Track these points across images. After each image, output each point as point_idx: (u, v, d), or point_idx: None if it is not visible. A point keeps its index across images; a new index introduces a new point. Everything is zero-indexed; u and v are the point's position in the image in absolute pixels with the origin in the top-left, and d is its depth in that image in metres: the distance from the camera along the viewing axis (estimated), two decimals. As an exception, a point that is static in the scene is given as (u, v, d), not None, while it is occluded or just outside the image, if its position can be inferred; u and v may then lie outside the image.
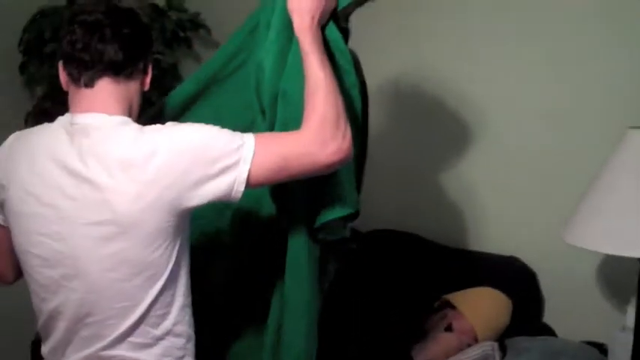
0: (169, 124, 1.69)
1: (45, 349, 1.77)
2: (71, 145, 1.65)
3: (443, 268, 2.90)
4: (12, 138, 1.80)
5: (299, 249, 1.92)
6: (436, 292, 2.76)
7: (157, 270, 1.66)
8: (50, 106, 3.29)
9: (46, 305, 1.72)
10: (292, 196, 1.91)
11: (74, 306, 1.68)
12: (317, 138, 1.67)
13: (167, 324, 1.71)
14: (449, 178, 3.06)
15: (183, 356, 1.76)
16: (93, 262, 1.64)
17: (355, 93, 1.91)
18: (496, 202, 2.94)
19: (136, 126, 1.69)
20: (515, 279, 2.78)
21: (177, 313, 1.73)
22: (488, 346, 2.53)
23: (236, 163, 1.62)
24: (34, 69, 3.41)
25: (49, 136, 1.72)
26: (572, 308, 2.77)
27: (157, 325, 1.70)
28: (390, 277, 2.90)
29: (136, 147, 1.62)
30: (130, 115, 1.73)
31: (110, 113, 1.69)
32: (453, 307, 2.66)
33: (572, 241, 2.24)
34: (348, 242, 2.09)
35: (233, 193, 1.64)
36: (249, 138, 1.65)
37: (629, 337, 2.28)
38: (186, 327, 1.76)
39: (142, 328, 1.69)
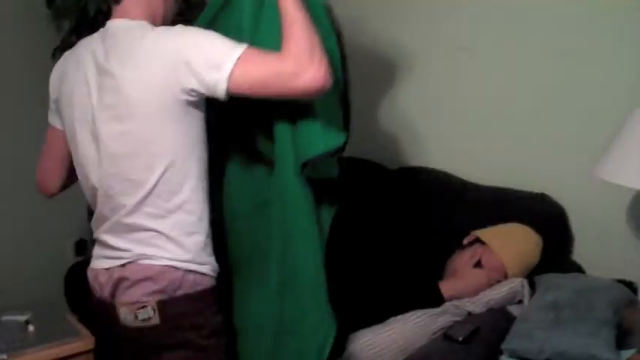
0: (179, 26, 1.93)
1: (92, 220, 2.09)
2: (102, 45, 1.98)
3: (473, 205, 2.87)
4: (62, 58, 2.14)
5: (295, 187, 2.07)
6: (466, 230, 2.73)
7: (163, 149, 1.90)
8: (77, 40, 3.29)
9: (86, 183, 2.05)
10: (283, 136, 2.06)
11: (102, 181, 1.98)
12: (294, 62, 1.84)
13: (177, 200, 1.94)
14: (479, 114, 3.02)
15: (194, 232, 1.97)
16: (111, 141, 1.94)
17: (332, 42, 2.05)
18: (526, 139, 2.90)
19: (150, 27, 1.96)
20: (544, 216, 2.75)
21: (190, 193, 1.95)
22: (518, 283, 2.52)
23: (223, 63, 1.83)
24: (61, 2, 3.36)
25: (90, 42, 2.05)
26: (602, 246, 2.74)
27: (167, 199, 1.93)
28: (421, 214, 2.89)
29: (144, 42, 1.91)
30: (152, 22, 2.00)
31: (132, 18, 1.99)
32: (482, 243, 2.64)
33: (606, 177, 2.22)
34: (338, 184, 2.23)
35: (217, 89, 1.85)
36: (240, 47, 1.85)
37: (659, 275, 2.30)
38: (198, 206, 1.97)
39: (153, 199, 1.93)
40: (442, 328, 2.38)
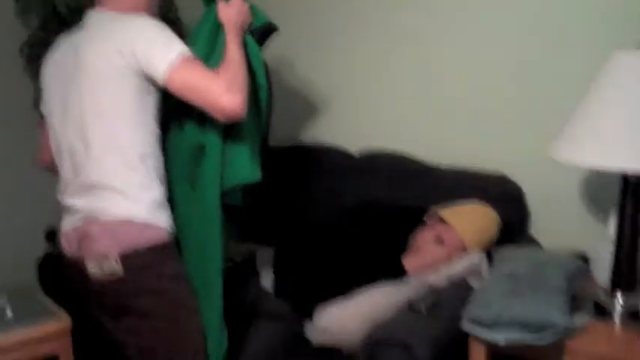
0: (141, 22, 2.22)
1: (58, 191, 2.36)
2: (84, 31, 2.30)
3: (434, 185, 2.97)
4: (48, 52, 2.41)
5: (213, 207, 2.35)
6: (428, 208, 2.84)
7: (114, 112, 2.19)
8: (45, 35, 3.34)
9: (58, 154, 2.33)
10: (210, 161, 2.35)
11: (67, 145, 2.27)
12: (223, 83, 2.15)
13: (131, 158, 2.19)
14: (440, 100, 3.12)
15: (148, 188, 2.21)
16: (74, 104, 2.23)
17: (263, 93, 2.42)
18: (485, 123, 3.01)
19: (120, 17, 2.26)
20: (502, 195, 2.86)
21: (141, 154, 2.20)
22: (477, 257, 2.63)
23: (164, 60, 2.13)
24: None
25: (71, 34, 2.35)
26: (557, 222, 2.86)
27: (121, 158, 2.19)
28: (384, 195, 3.00)
29: (111, 29, 2.22)
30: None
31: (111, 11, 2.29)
32: (442, 221, 2.74)
33: (560, 158, 2.31)
34: (241, 210, 2.49)
35: (157, 79, 2.15)
36: (181, 50, 2.15)
37: (610, 247, 2.37)
38: (152, 165, 2.23)
39: (109, 158, 2.19)
40: (405, 300, 2.46)
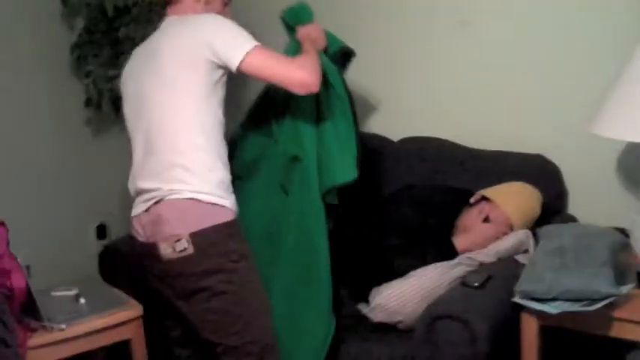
0: (203, 18, 2.48)
1: (130, 180, 2.54)
2: (159, 32, 2.56)
3: (476, 168, 3.07)
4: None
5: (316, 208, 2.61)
6: (472, 190, 2.94)
7: (181, 89, 2.40)
8: (92, 37, 3.47)
9: (135, 141, 2.52)
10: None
11: (142, 131, 2.48)
12: (298, 63, 2.47)
13: (199, 140, 2.38)
14: (476, 86, 3.21)
15: (214, 169, 2.40)
16: (151, 93, 2.45)
17: (345, 104, 2.67)
18: (521, 106, 3.10)
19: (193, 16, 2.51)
20: (541, 175, 2.96)
21: (208, 136, 2.40)
22: (523, 234, 2.74)
23: (241, 48, 2.38)
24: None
25: (150, 38, 2.59)
26: (594, 199, 2.96)
27: (190, 139, 2.39)
28: (426, 180, 3.11)
29: (186, 24, 2.46)
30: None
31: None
32: (488, 201, 2.84)
33: (601, 132, 2.43)
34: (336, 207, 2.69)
35: (233, 64, 2.38)
36: (256, 43, 2.41)
37: (649, 221, 2.50)
38: (216, 148, 2.43)
39: (179, 139, 2.39)
40: (458, 278, 2.59)
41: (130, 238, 2.56)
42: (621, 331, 2.33)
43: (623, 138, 2.41)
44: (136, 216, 2.48)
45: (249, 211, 2.63)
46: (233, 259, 2.38)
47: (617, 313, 2.31)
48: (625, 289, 2.33)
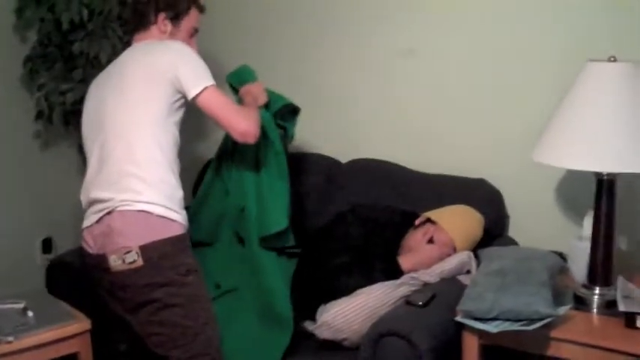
0: (171, 45, 2.59)
1: (82, 190, 2.59)
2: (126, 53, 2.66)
3: (421, 190, 3.15)
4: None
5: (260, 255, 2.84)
6: (417, 212, 3.01)
7: (139, 101, 2.50)
8: (45, 50, 3.47)
9: (90, 153, 2.60)
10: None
11: (100, 142, 2.54)
12: (243, 114, 2.59)
13: (153, 153, 2.47)
14: (423, 112, 3.30)
15: (166, 181, 2.48)
16: (112, 109, 2.53)
17: (282, 159, 2.85)
18: (465, 133, 3.20)
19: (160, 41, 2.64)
20: (483, 199, 3.05)
21: (163, 151, 2.48)
22: (466, 256, 2.81)
23: (202, 82, 2.50)
24: (31, 13, 3.48)
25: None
26: (534, 223, 3.06)
27: (145, 152, 2.47)
28: (372, 200, 3.17)
29: (153, 47, 2.58)
30: None
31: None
32: (433, 222, 2.91)
33: (540, 160, 2.51)
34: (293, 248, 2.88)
35: (189, 94, 2.49)
36: (214, 83, 2.52)
37: (586, 245, 2.58)
38: (170, 163, 2.50)
39: (134, 150, 2.46)
40: (402, 297, 2.64)
41: (81, 250, 2.58)
42: (558, 350, 2.41)
43: (562, 165, 2.50)
44: (87, 227, 2.50)
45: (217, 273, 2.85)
46: (182, 273, 2.42)
47: (554, 333, 2.39)
48: (562, 309, 2.43)
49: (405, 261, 2.82)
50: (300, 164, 3.40)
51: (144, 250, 2.36)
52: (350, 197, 3.25)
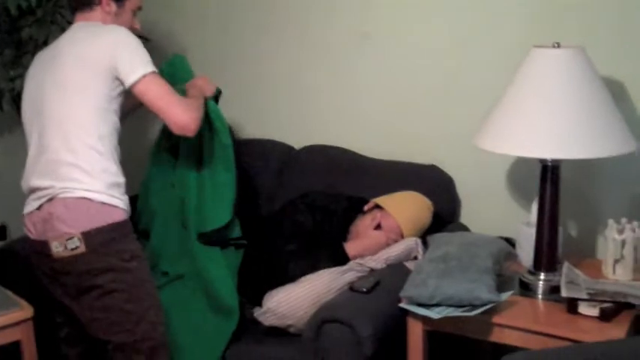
0: (110, 31, 2.51)
1: (23, 178, 2.56)
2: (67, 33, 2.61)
3: (371, 176, 3.16)
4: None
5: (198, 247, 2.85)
6: (366, 198, 3.01)
7: (76, 87, 2.44)
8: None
9: (30, 139, 2.56)
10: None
11: (39, 129, 2.50)
12: (184, 104, 2.51)
13: (92, 140, 2.41)
14: (375, 98, 3.30)
15: (106, 170, 2.43)
16: (50, 97, 2.47)
17: (230, 152, 2.82)
18: (418, 118, 3.20)
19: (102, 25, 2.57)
20: (434, 184, 3.06)
21: (102, 139, 2.43)
22: (412, 241, 2.82)
23: (140, 69, 2.43)
24: None
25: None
26: (484, 209, 3.08)
27: (84, 139, 2.42)
28: (323, 186, 3.17)
29: (94, 31, 2.52)
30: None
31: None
32: (381, 208, 2.91)
33: (484, 146, 2.52)
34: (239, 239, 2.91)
35: (126, 81, 2.43)
36: (154, 69, 2.47)
37: (533, 231, 2.60)
38: (110, 150, 2.46)
39: (74, 139, 2.42)
40: (348, 283, 2.64)
41: (25, 237, 2.56)
42: (500, 335, 2.43)
43: (505, 152, 2.50)
44: (28, 214, 2.48)
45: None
46: (125, 259, 2.41)
47: (496, 319, 2.41)
48: (504, 295, 2.44)
49: (351, 247, 2.81)
50: (254, 150, 3.40)
51: (86, 236, 2.34)
52: (303, 183, 3.25)
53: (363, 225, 2.91)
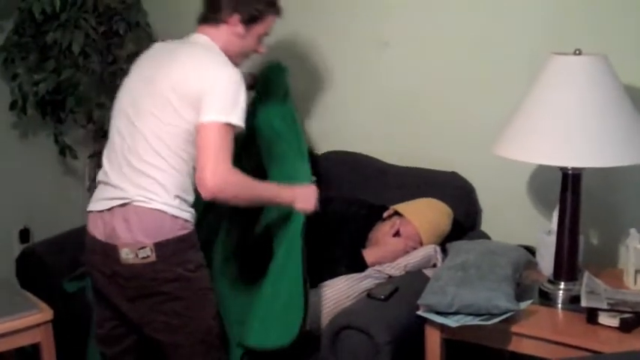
0: (219, 67, 2.43)
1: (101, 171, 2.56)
2: (183, 45, 2.58)
3: (392, 183, 3.15)
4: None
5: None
6: (386, 205, 3.01)
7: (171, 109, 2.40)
8: (20, 39, 3.47)
9: (116, 137, 2.54)
10: None
11: (130, 136, 2.49)
12: (225, 169, 2.32)
13: (174, 162, 2.40)
14: (397, 105, 3.28)
15: (184, 189, 2.44)
16: (145, 114, 2.45)
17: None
18: (438, 126, 3.18)
19: (213, 50, 2.52)
20: (455, 192, 3.05)
21: (185, 161, 2.42)
22: (431, 249, 2.81)
23: (217, 115, 2.34)
24: (3, 2, 3.48)
25: (175, 42, 2.63)
26: (505, 217, 3.05)
27: (170, 159, 2.41)
28: (345, 192, 3.17)
29: (203, 59, 2.47)
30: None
31: (212, 39, 2.56)
32: (400, 215, 2.90)
33: (504, 154, 2.49)
34: None
35: (199, 115, 2.36)
36: (233, 120, 2.35)
37: (553, 239, 2.57)
38: (187, 172, 2.43)
39: (159, 156, 2.41)
40: (366, 290, 2.64)
41: (86, 232, 2.53)
42: (519, 345, 2.41)
43: (525, 159, 2.48)
44: (97, 212, 2.48)
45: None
46: (190, 269, 2.44)
47: (515, 328, 2.39)
48: (523, 304, 2.41)
49: (369, 254, 2.81)
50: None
51: (157, 247, 2.37)
52: (324, 189, 3.22)
53: (382, 232, 2.91)
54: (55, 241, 3.13)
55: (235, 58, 2.58)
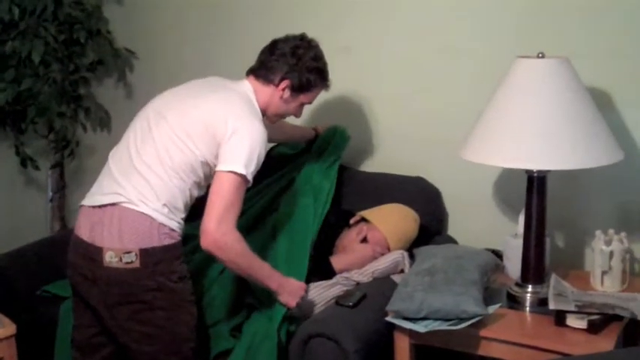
0: (250, 119, 2.46)
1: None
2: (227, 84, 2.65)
3: (359, 189, 3.14)
4: None
5: None
6: (353, 211, 3.00)
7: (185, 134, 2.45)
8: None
9: (126, 142, 2.57)
10: None
11: (135, 143, 2.52)
12: (231, 225, 2.39)
13: (174, 173, 2.43)
14: (362, 111, 3.28)
15: (177, 198, 2.44)
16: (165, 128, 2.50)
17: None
18: (404, 131, 3.18)
19: (250, 105, 2.55)
20: (421, 197, 3.04)
21: (184, 181, 2.44)
22: (399, 254, 2.80)
23: (233, 167, 2.38)
24: None
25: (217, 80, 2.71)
26: (472, 221, 3.07)
27: (170, 170, 2.43)
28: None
29: (239, 106, 2.51)
30: (263, 110, 2.60)
31: (255, 91, 2.60)
32: (367, 221, 2.89)
33: (470, 158, 2.50)
34: None
35: (215, 166, 2.43)
36: (248, 173, 2.39)
37: (520, 242, 2.58)
38: (187, 187, 2.46)
39: (162, 165, 2.44)
40: (335, 297, 2.62)
41: (72, 230, 2.54)
42: (488, 349, 2.41)
43: (490, 163, 2.49)
44: (89, 207, 2.47)
45: None
46: (173, 280, 2.42)
47: (483, 332, 2.39)
48: (491, 308, 2.41)
49: (337, 261, 2.80)
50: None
51: (143, 253, 2.36)
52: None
53: (349, 238, 2.90)
54: (16, 254, 3.07)
55: (271, 117, 2.67)
